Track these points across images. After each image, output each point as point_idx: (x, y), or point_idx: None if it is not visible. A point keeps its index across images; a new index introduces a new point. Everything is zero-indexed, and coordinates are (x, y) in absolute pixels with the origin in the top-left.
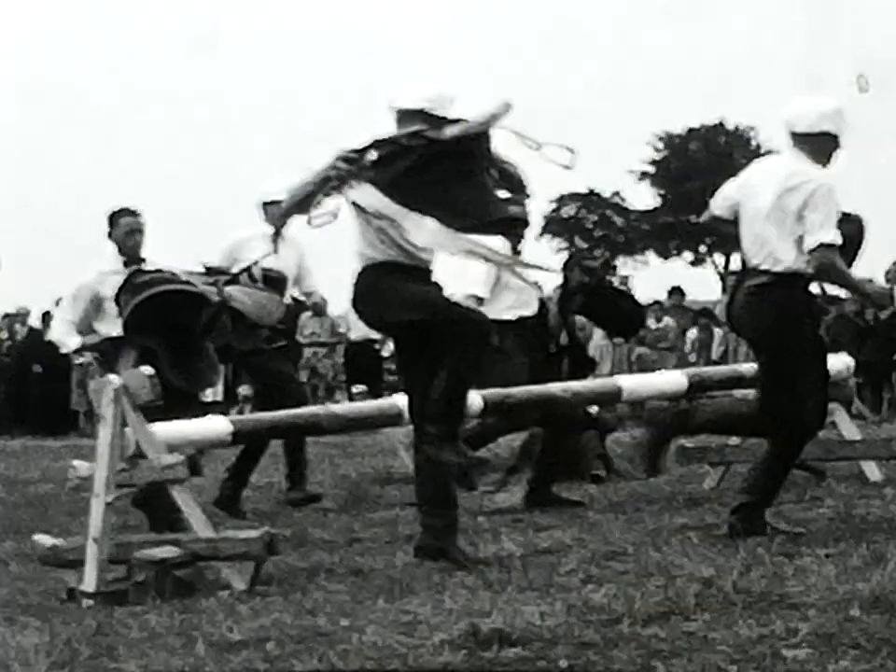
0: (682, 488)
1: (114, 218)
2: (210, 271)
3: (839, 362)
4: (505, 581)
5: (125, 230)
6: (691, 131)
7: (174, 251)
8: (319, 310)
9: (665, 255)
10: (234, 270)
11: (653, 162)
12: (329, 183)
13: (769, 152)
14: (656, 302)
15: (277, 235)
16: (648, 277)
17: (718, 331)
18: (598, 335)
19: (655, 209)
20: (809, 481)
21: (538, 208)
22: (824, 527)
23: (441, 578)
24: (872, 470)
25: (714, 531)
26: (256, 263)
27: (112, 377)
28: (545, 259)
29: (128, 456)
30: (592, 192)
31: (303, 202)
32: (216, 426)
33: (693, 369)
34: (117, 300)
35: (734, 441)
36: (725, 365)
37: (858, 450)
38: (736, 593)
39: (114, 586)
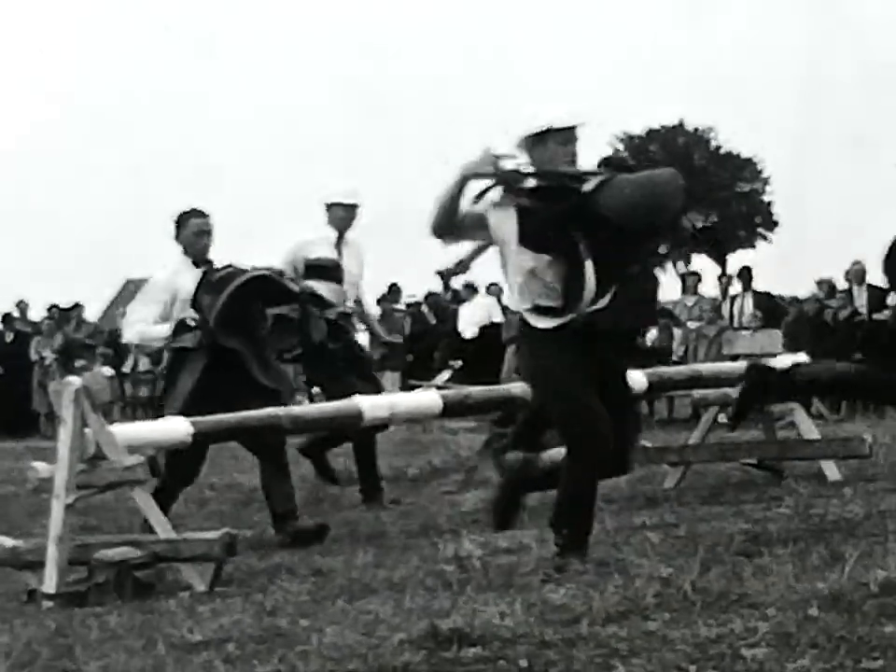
0: (642, 488)
1: (182, 220)
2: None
3: (798, 362)
4: (465, 580)
5: (194, 230)
6: (650, 132)
7: (172, 251)
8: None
9: None
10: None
11: None
12: (484, 178)
13: (728, 153)
14: None
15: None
16: None
17: (678, 331)
18: None
19: None
20: (768, 480)
21: None
22: (783, 526)
23: (401, 578)
24: (831, 469)
25: (673, 531)
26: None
27: (72, 379)
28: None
29: (88, 458)
30: None
31: (451, 204)
32: (175, 426)
33: (653, 368)
34: (195, 302)
35: (693, 440)
36: (685, 365)
37: (817, 449)
38: (695, 592)
39: (74, 587)
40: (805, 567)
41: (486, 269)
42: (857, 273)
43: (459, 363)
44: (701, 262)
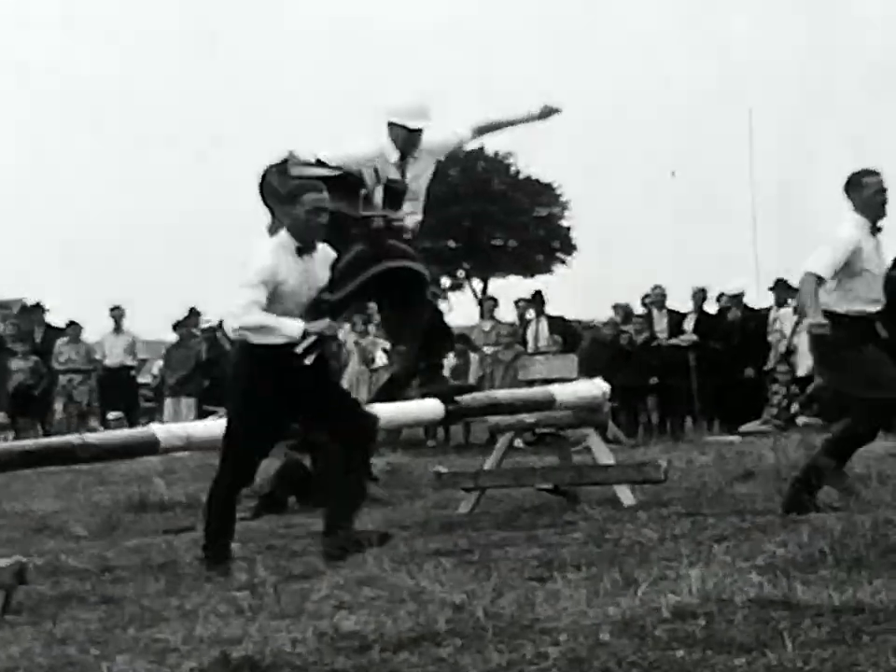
0: (437, 513)
1: (297, 191)
2: None
3: (594, 387)
4: (257, 607)
5: (308, 207)
6: (449, 157)
7: (173, 250)
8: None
9: None
10: None
11: None
12: None
13: (528, 178)
14: None
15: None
16: None
17: (474, 357)
18: (354, 362)
19: None
20: (563, 505)
21: None
22: (577, 551)
23: (193, 605)
24: (625, 494)
25: (467, 556)
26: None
27: None
28: None
29: None
30: None
31: None
32: None
33: None
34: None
35: (488, 465)
36: (481, 391)
37: (611, 474)
38: (488, 618)
39: None
40: (597, 591)
41: None
42: (657, 298)
43: None
44: (499, 285)
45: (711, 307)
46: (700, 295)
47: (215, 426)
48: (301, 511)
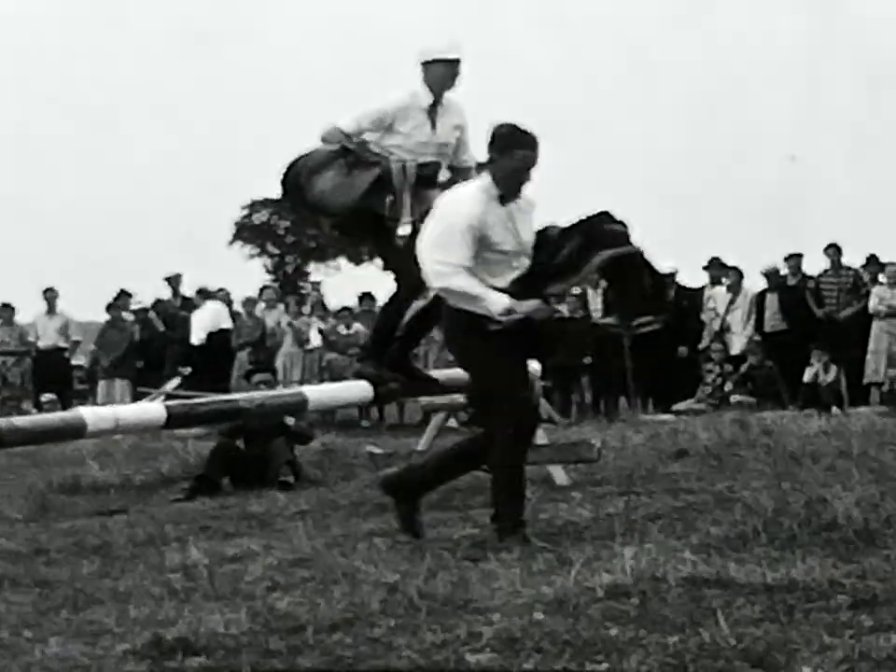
0: (371, 494)
1: (509, 142)
2: None
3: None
4: (191, 589)
5: (517, 164)
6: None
7: (173, 249)
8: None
9: (356, 261)
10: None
11: None
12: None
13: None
14: (346, 309)
15: None
16: (339, 283)
17: None
18: (287, 343)
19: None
20: None
21: (229, 215)
22: None
23: (126, 587)
24: (559, 474)
25: (401, 536)
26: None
27: None
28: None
29: None
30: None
31: None
32: None
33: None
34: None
35: (421, 445)
36: None
37: (545, 454)
38: (421, 598)
39: None
40: (531, 571)
41: (217, 274)
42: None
43: (189, 370)
44: None
45: None
46: None
47: (143, 409)
48: (234, 492)
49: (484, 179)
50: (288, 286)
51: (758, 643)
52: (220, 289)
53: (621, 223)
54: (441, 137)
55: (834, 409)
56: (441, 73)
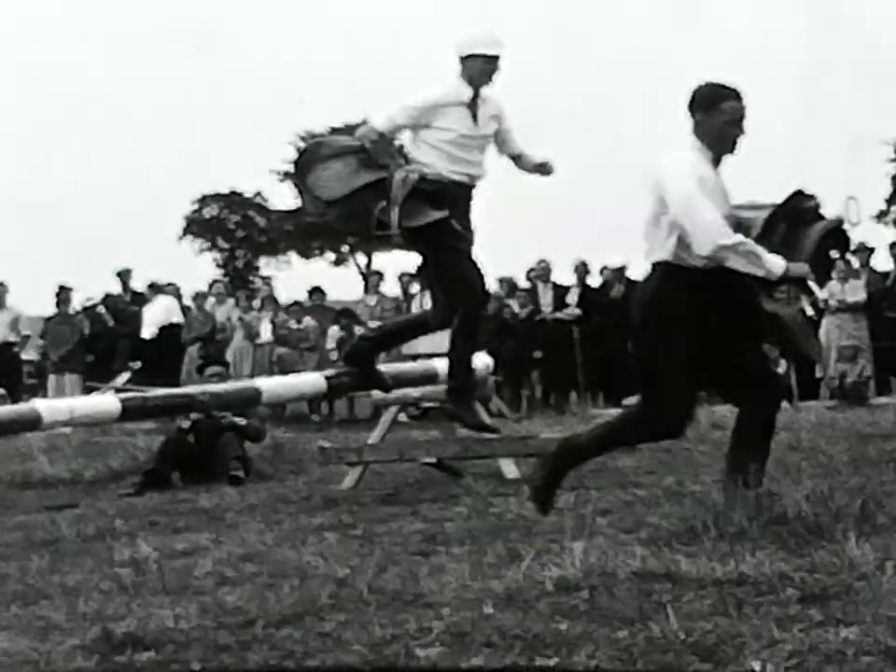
0: (321, 488)
1: (713, 99)
2: None
3: (478, 360)
4: (140, 584)
5: (727, 118)
6: (334, 130)
7: (172, 247)
8: None
9: (306, 255)
10: None
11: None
12: None
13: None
14: (296, 303)
15: None
16: (290, 277)
17: (359, 330)
18: (238, 337)
19: (297, 209)
20: (447, 479)
21: (179, 209)
22: (461, 525)
23: (76, 582)
24: (509, 468)
25: (351, 531)
26: None
27: None
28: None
29: None
30: (234, 193)
31: None
32: None
33: (333, 370)
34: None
35: (372, 440)
36: None
37: (495, 447)
38: (371, 592)
39: None
40: (481, 565)
41: (168, 269)
42: (542, 272)
43: (138, 364)
44: (383, 260)
45: (594, 281)
46: (582, 269)
47: (97, 402)
48: (184, 487)
49: (694, 144)
50: (239, 280)
51: (707, 637)
52: (170, 284)
53: (813, 197)
54: (483, 129)
55: (784, 403)
56: (480, 68)
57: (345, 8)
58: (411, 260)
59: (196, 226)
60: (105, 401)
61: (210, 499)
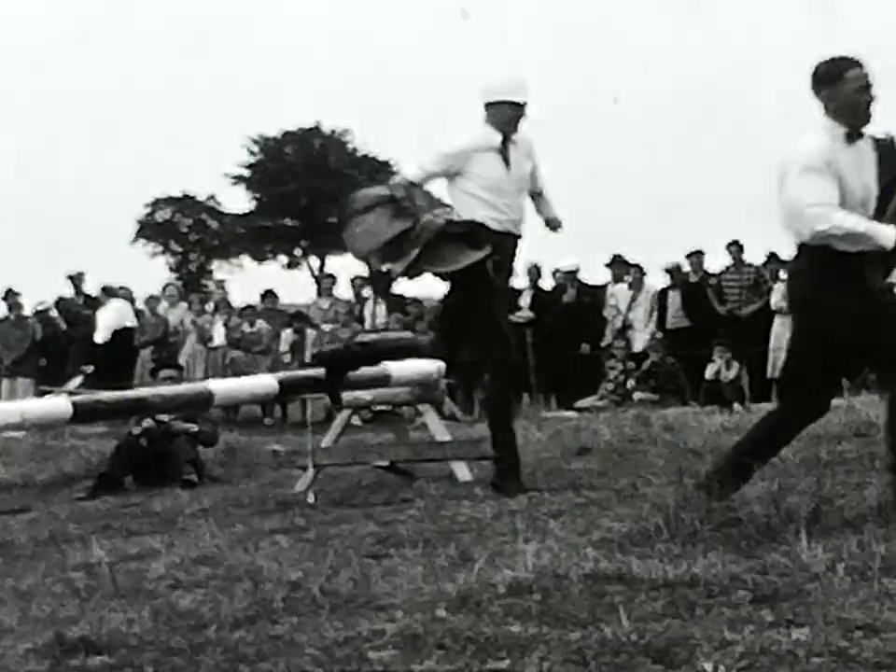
0: (273, 491)
1: (835, 70)
2: None
3: (430, 364)
4: (93, 587)
5: (854, 86)
6: (286, 134)
7: (125, 250)
8: None
9: (259, 258)
10: None
11: (249, 166)
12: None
13: (365, 156)
14: (249, 306)
15: None
16: (243, 281)
17: (311, 333)
18: (191, 341)
19: (250, 212)
20: (399, 482)
21: (131, 213)
22: (413, 528)
23: (28, 586)
24: (462, 471)
25: (303, 534)
26: None
27: None
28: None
29: None
30: (186, 196)
31: None
32: None
33: (286, 372)
34: None
35: (325, 443)
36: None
37: (448, 450)
38: (324, 595)
39: None
40: (433, 568)
41: (120, 272)
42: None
43: (91, 368)
44: (336, 264)
45: (546, 283)
46: (534, 271)
47: (49, 404)
48: (137, 490)
49: (824, 125)
50: (192, 283)
51: (659, 639)
52: (122, 287)
53: None
54: (517, 173)
55: (736, 405)
56: (507, 115)
57: (299, 8)
58: (363, 265)
59: (149, 229)
60: (57, 404)
61: (163, 503)
